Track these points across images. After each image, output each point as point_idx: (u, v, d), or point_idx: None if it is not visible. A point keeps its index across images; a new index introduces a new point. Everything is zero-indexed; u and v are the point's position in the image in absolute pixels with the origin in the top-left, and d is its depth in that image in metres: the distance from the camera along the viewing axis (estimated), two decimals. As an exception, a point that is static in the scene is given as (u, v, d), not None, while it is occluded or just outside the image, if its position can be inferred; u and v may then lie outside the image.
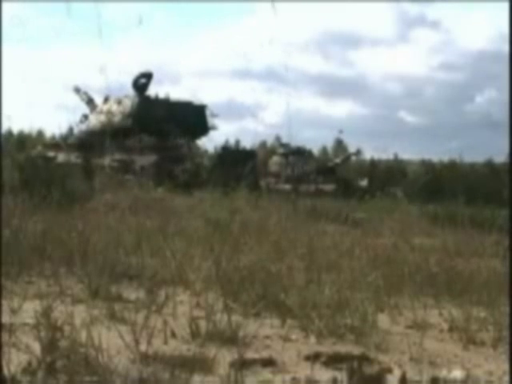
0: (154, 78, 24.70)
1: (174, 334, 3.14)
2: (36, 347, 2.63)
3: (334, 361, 2.88)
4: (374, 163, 26.63)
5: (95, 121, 25.28)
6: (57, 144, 24.64)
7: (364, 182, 23.33)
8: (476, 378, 2.80)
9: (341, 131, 24.97)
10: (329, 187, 21.76)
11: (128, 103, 24.41)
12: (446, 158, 24.91)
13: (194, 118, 24.30)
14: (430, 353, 3.12)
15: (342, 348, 3.11)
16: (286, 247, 5.56)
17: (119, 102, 24.50)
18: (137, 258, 4.81)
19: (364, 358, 2.90)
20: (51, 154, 22.31)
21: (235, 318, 3.28)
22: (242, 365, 2.65)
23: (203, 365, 2.69)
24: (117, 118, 23.85)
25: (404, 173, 25.01)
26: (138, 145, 22.33)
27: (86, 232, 5.20)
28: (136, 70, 24.90)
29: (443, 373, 2.77)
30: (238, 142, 37.30)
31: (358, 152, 27.40)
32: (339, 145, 26.98)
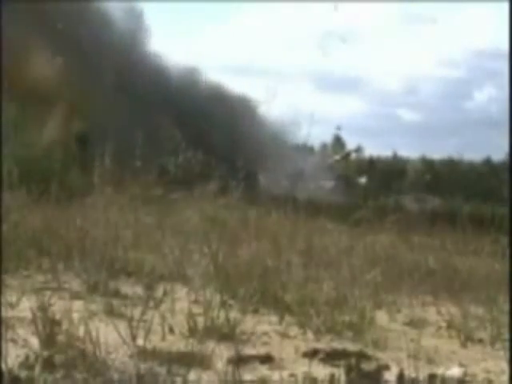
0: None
1: (171, 330, 3.14)
2: (33, 342, 2.63)
3: (331, 357, 2.88)
4: (372, 160, 26.59)
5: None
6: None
7: (363, 180, 23.31)
8: (473, 375, 2.80)
9: (338, 128, 24.78)
10: (328, 184, 21.72)
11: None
12: (445, 156, 24.92)
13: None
14: (427, 350, 3.12)
15: (340, 345, 3.11)
16: (285, 244, 5.56)
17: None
18: (135, 254, 4.81)
19: (362, 355, 2.91)
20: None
21: (233, 314, 3.28)
22: (240, 361, 2.65)
23: (201, 361, 2.69)
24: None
25: (404, 170, 25.01)
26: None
27: (84, 227, 5.19)
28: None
29: (441, 370, 2.77)
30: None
31: (359, 149, 27.33)
32: (337, 142, 26.88)
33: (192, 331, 3.13)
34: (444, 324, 3.67)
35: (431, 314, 3.89)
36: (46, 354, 2.50)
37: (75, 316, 2.88)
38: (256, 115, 20.22)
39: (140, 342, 2.76)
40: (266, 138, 19.87)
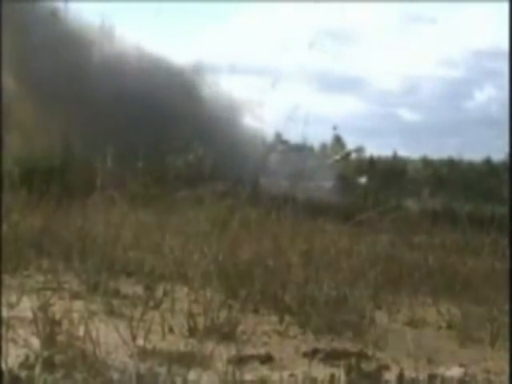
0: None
1: (171, 330, 3.14)
2: (33, 342, 2.63)
3: (331, 357, 2.89)
4: (373, 161, 26.59)
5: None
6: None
7: (363, 179, 23.28)
8: (473, 375, 2.80)
9: (334, 127, 24.65)
10: (328, 184, 21.71)
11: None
12: (445, 156, 24.92)
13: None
14: (427, 350, 3.12)
15: (340, 345, 3.11)
16: (285, 244, 5.55)
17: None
18: (135, 254, 4.80)
19: (362, 355, 2.91)
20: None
21: (233, 314, 3.28)
22: (240, 361, 2.65)
23: (201, 360, 2.69)
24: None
25: (404, 170, 25.02)
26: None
27: (84, 228, 5.19)
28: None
29: (441, 370, 2.77)
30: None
31: (360, 149, 27.27)
32: (337, 142, 26.83)
33: (192, 331, 3.13)
34: (444, 324, 3.68)
35: (431, 314, 3.89)
36: (46, 353, 2.50)
37: (75, 316, 2.88)
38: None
39: (140, 342, 2.76)
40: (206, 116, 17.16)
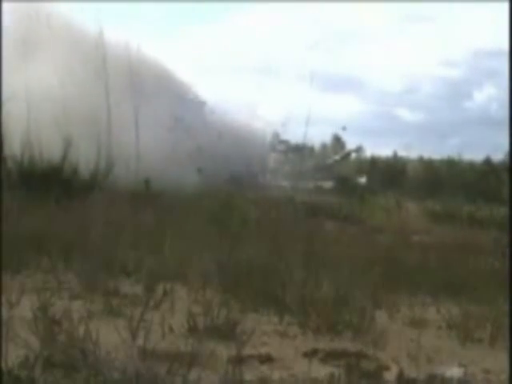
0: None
1: (171, 330, 3.14)
2: (33, 341, 2.62)
3: (331, 357, 2.89)
4: (374, 160, 26.62)
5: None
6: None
7: (363, 179, 23.28)
8: (473, 375, 2.80)
9: (344, 128, 24.56)
10: (327, 184, 21.71)
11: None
12: (445, 156, 24.94)
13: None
14: (427, 350, 3.12)
15: (340, 344, 3.12)
16: (285, 244, 5.56)
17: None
18: (135, 254, 4.80)
19: (361, 355, 2.91)
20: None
21: (233, 313, 3.28)
22: (240, 361, 2.65)
23: (201, 360, 2.69)
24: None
25: (404, 170, 25.05)
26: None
27: (84, 227, 5.19)
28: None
29: (440, 370, 2.77)
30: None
31: (359, 149, 27.27)
32: (337, 142, 26.85)
33: (192, 331, 3.13)
34: (444, 324, 3.67)
35: (431, 313, 3.89)
36: (46, 353, 2.50)
37: (75, 316, 2.88)
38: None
39: (140, 342, 2.76)
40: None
